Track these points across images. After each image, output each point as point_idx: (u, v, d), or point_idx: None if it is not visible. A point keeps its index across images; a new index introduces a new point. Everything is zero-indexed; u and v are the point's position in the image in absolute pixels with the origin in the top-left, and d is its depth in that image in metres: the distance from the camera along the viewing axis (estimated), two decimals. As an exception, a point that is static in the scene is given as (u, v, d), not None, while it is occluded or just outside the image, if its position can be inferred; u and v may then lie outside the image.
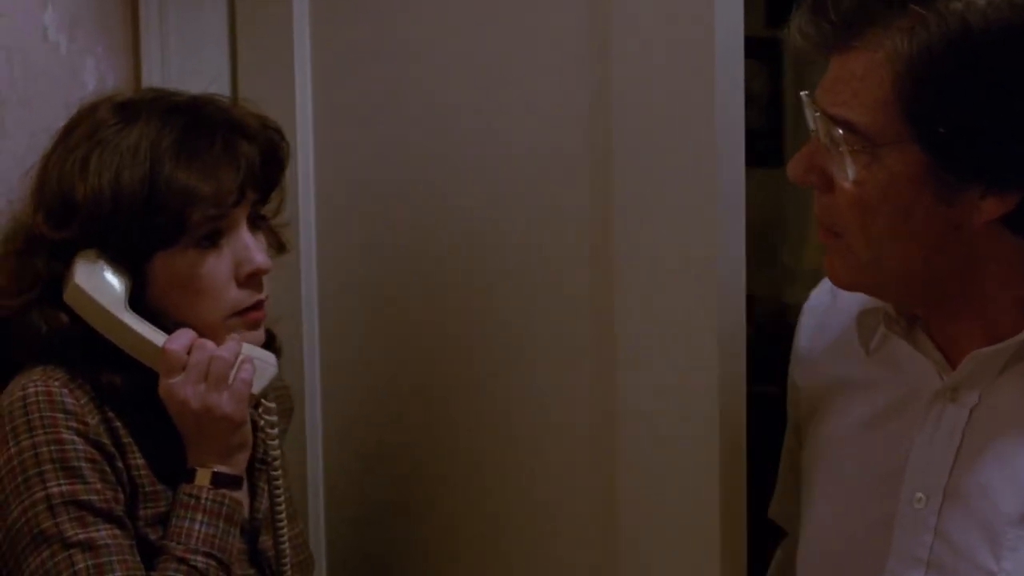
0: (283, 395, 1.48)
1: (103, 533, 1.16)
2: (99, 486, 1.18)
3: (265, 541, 1.34)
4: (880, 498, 1.04)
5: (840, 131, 0.95)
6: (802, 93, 0.99)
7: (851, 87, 0.95)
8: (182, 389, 1.21)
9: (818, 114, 0.97)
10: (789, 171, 1.02)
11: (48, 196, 1.25)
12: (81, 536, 1.15)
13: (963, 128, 0.91)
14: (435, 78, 1.67)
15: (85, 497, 1.16)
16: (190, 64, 1.78)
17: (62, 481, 1.16)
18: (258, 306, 1.28)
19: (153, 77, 1.76)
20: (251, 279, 1.26)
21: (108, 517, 1.18)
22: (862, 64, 0.94)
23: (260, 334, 1.30)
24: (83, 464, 1.17)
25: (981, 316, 1.00)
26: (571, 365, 1.57)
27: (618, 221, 1.46)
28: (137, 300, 1.24)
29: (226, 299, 1.25)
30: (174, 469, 1.24)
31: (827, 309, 1.18)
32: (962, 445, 1.00)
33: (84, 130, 1.25)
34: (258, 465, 1.35)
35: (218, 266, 1.24)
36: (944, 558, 0.99)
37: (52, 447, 1.16)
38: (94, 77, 1.63)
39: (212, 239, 1.24)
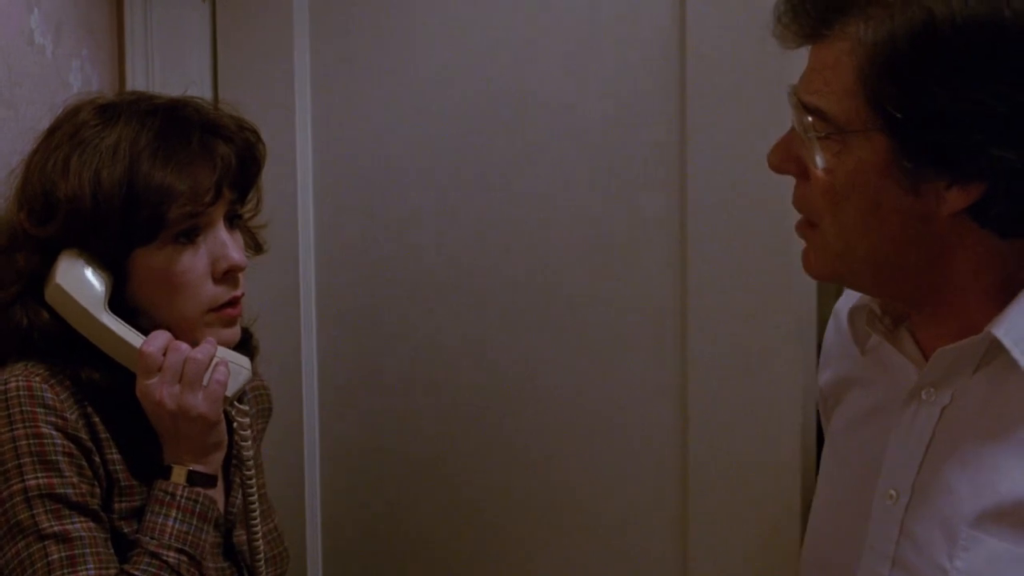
0: (262, 395, 1.50)
1: (78, 526, 1.18)
2: (75, 480, 1.20)
3: (240, 535, 1.36)
4: (862, 494, 1.05)
5: (810, 118, 0.97)
6: (789, 85, 1.00)
7: (823, 76, 0.96)
8: (158, 390, 1.23)
9: (792, 102, 0.99)
10: (768, 160, 1.03)
11: (31, 195, 1.27)
12: (56, 528, 1.17)
13: (924, 117, 0.91)
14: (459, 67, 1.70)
15: (61, 490, 1.18)
16: (173, 67, 1.80)
17: (39, 474, 1.18)
18: (234, 303, 1.30)
19: (137, 79, 1.78)
20: (227, 275, 1.28)
21: (83, 510, 1.20)
22: (833, 53, 0.95)
23: (236, 331, 1.32)
24: (60, 458, 1.19)
25: (954, 312, 1.00)
26: (634, 368, 1.61)
27: (692, 225, 1.50)
28: (116, 297, 1.26)
29: (203, 295, 1.27)
30: (150, 464, 1.26)
31: (844, 310, 1.18)
32: (931, 444, 1.01)
33: (66, 131, 1.27)
34: (233, 463, 1.37)
35: (195, 262, 1.26)
36: (908, 555, 1.01)
37: (31, 440, 1.18)
38: (79, 79, 1.65)
39: (189, 236, 1.26)
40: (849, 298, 1.17)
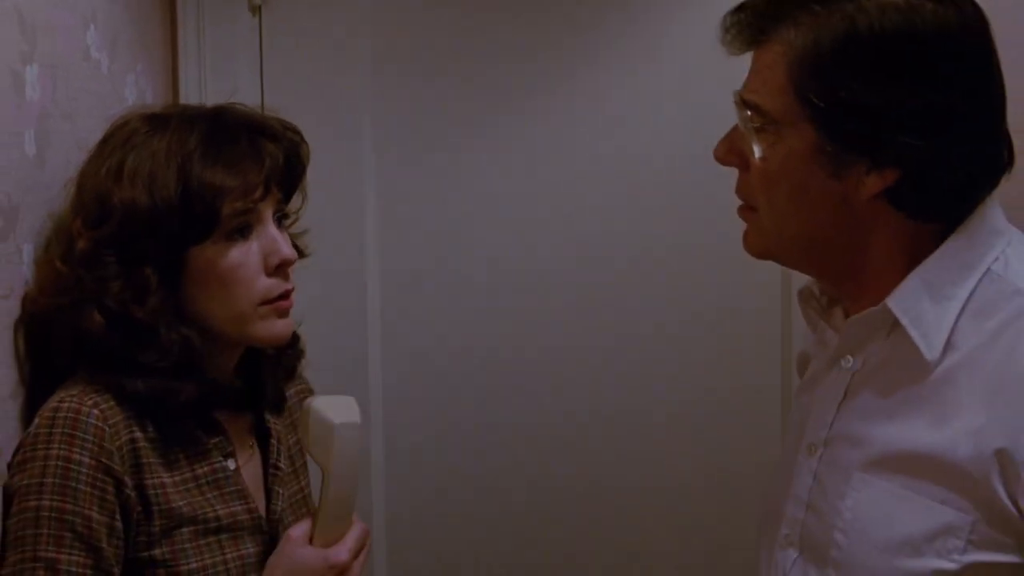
0: (305, 394, 1.51)
1: (73, 558, 1.20)
2: (89, 512, 1.21)
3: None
4: (793, 449, 1.19)
5: (749, 113, 1.09)
6: (734, 90, 1.12)
7: (761, 76, 1.09)
8: (352, 559, 1.34)
9: (736, 100, 1.11)
10: (714, 153, 1.15)
11: (86, 201, 1.30)
12: (51, 554, 1.20)
13: (843, 108, 1.04)
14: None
15: (70, 518, 1.20)
16: (224, 81, 1.84)
17: (56, 496, 1.20)
18: (286, 295, 1.33)
19: (190, 93, 1.82)
20: (279, 269, 1.32)
21: (85, 544, 1.21)
22: (770, 55, 1.08)
23: (289, 323, 1.35)
24: (82, 487, 1.21)
25: (873, 288, 1.11)
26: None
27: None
28: (169, 300, 1.28)
29: (257, 288, 1.30)
30: (186, 489, 1.29)
31: None
32: (843, 403, 1.14)
33: (117, 139, 1.31)
34: (271, 471, 1.40)
35: (248, 257, 1.30)
36: (817, 500, 1.14)
37: (60, 463, 1.21)
38: (133, 93, 1.68)
39: (242, 232, 1.30)
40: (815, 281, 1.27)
